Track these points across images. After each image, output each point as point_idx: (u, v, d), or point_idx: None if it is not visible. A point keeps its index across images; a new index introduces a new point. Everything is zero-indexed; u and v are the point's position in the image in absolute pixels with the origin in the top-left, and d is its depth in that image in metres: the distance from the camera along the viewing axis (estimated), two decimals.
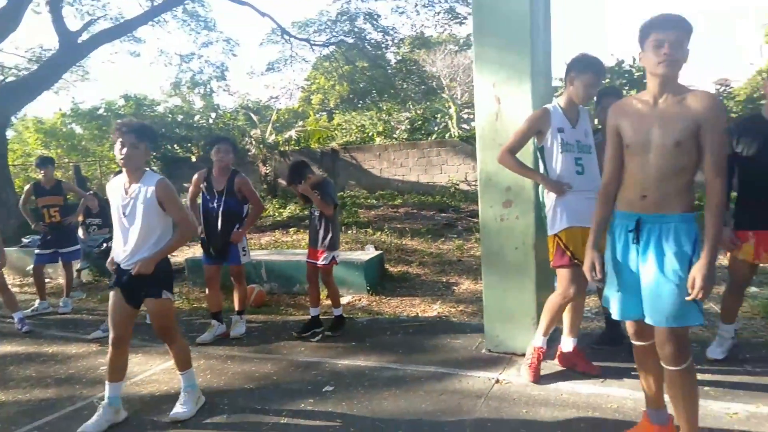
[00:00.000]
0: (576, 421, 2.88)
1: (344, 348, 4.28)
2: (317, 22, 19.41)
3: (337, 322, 4.67)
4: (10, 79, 14.21)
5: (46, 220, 6.09)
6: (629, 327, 2.54)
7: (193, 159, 17.95)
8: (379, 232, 8.91)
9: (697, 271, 2.18)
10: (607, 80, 14.38)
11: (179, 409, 3.23)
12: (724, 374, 3.27)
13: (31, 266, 6.30)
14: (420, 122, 17.08)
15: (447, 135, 15.46)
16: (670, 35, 2.20)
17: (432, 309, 5.44)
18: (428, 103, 20.27)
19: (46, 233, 6.12)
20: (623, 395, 3.10)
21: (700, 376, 3.11)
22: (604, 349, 3.73)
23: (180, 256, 8.47)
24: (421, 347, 4.18)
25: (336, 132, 18.64)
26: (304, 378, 3.74)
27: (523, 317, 3.67)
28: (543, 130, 3.24)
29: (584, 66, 3.17)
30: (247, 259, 4.82)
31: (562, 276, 3.25)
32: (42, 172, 6.11)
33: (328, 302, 4.93)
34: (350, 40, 18.40)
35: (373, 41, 18.68)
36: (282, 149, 16.03)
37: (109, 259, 3.30)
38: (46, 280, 6.80)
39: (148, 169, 3.22)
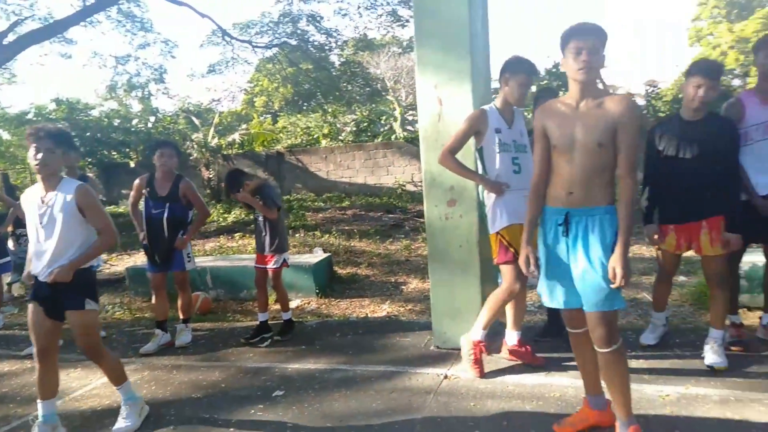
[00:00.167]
0: (521, 411, 2.98)
1: (294, 352, 4.25)
2: (259, 23, 19.18)
3: (286, 326, 4.64)
4: None
5: None
6: (564, 316, 2.66)
7: (132, 164, 17.34)
8: (327, 235, 8.89)
9: (615, 262, 2.34)
10: (545, 81, 14.90)
11: (122, 423, 3.13)
12: (656, 359, 3.45)
13: None
14: (365, 124, 17.14)
15: (393, 137, 15.58)
16: (588, 43, 2.36)
17: (381, 309, 5.49)
18: (373, 105, 20.36)
19: None
20: (565, 384, 3.23)
21: (635, 362, 3.33)
22: (547, 340, 3.87)
23: (120, 265, 8.18)
24: (371, 347, 4.21)
25: (281, 135, 18.45)
26: (254, 384, 3.69)
27: (469, 313, 3.76)
28: (481, 131, 3.33)
29: (517, 67, 3.28)
30: (191, 265, 4.71)
31: (507, 272, 3.34)
32: None
33: (277, 307, 4.88)
34: (293, 42, 18.27)
35: (316, 43, 18.62)
36: (225, 153, 15.73)
37: (25, 273, 3.09)
38: None
39: (65, 175, 3.07)
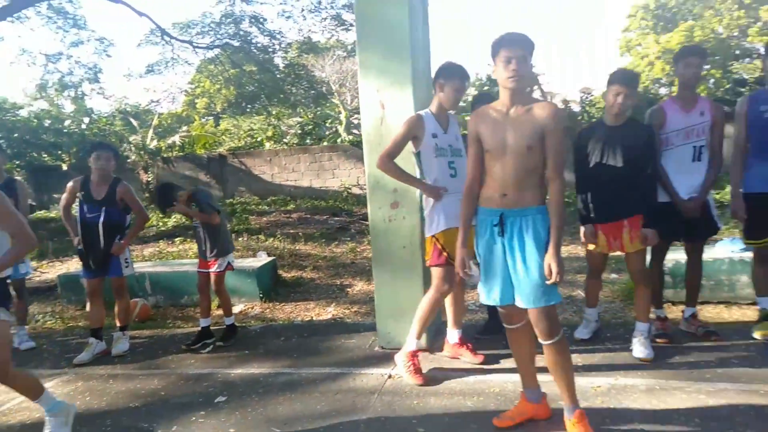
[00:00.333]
0: (463, 407, 3.06)
1: (237, 357, 4.19)
2: (200, 23, 18.71)
3: (229, 331, 4.57)
4: None
5: None
6: (501, 312, 2.76)
7: (64, 167, 16.54)
8: (272, 239, 8.79)
9: (550, 259, 2.48)
10: (487, 87, 15.30)
11: None
12: (589, 353, 3.62)
13: None
14: (310, 127, 17.06)
15: (338, 140, 15.57)
16: (517, 52, 2.49)
17: (326, 312, 5.49)
18: (318, 108, 20.29)
19: None
20: (504, 379, 3.34)
21: None
22: (488, 338, 3.98)
23: (52, 273, 7.80)
24: (316, 350, 4.21)
25: (223, 137, 18.09)
26: (195, 390, 3.62)
27: (413, 313, 3.77)
28: (418, 136, 3.37)
29: (452, 73, 3.36)
30: (129, 271, 4.56)
31: (437, 274, 3.42)
32: None
33: (220, 312, 4.80)
34: (236, 43, 17.94)
35: (259, 45, 18.35)
36: (165, 155, 15.27)
37: None
38: None
39: None
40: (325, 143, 15.25)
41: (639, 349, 3.46)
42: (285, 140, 16.46)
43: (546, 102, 2.65)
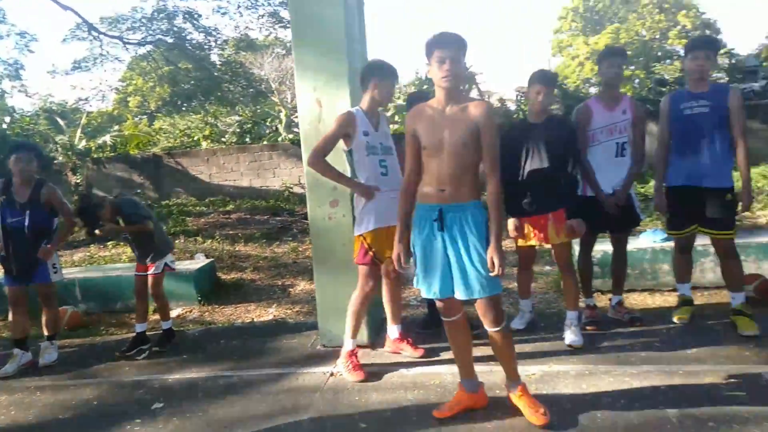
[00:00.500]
0: (404, 401, 3.12)
1: (175, 362, 4.08)
2: (130, 18, 17.96)
3: (166, 336, 4.44)
4: None
5: None
6: (440, 305, 2.83)
7: None
8: (210, 240, 8.58)
9: (492, 252, 2.57)
10: (426, 87, 15.49)
11: None
12: (524, 342, 3.76)
13: None
14: (249, 126, 16.74)
15: (279, 139, 15.36)
16: (450, 52, 2.56)
17: (268, 313, 5.42)
18: (258, 106, 19.94)
19: None
20: (444, 371, 3.42)
21: None
22: (428, 332, 4.06)
23: None
24: (257, 351, 4.16)
25: (158, 136, 17.47)
26: (130, 398, 3.50)
27: None
28: (350, 134, 3.36)
29: (385, 71, 3.40)
30: (58, 277, 4.35)
31: (362, 273, 3.46)
32: None
33: (157, 317, 4.66)
34: (169, 40, 17.36)
35: (194, 41, 17.84)
36: (95, 156, 14.61)
37: None
38: None
39: None
40: (265, 142, 15.01)
41: (570, 336, 3.63)
42: (223, 139, 16.09)
43: (480, 101, 2.74)
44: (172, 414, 3.22)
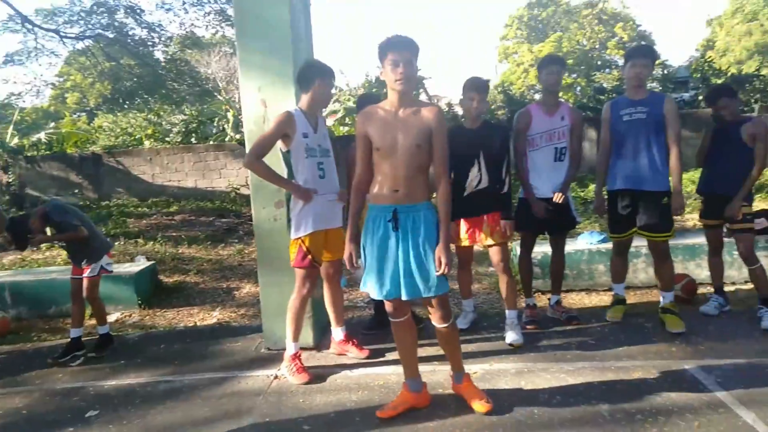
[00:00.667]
0: (348, 402, 3.13)
1: (112, 368, 3.94)
2: (68, 11, 17.17)
3: (103, 341, 4.28)
4: None
5: None
6: (389, 306, 2.86)
7: None
8: (152, 242, 8.32)
9: (440, 252, 2.64)
10: (375, 89, 15.56)
11: None
12: (466, 342, 3.82)
13: None
14: (195, 125, 16.32)
15: (226, 139, 15.06)
16: (404, 56, 2.61)
17: (211, 316, 5.31)
18: (205, 105, 19.47)
19: None
20: (388, 372, 3.45)
21: None
22: (374, 333, 4.08)
23: None
24: (200, 355, 4.07)
25: (98, 135, 16.79)
26: (63, 406, 3.36)
27: None
28: (289, 134, 3.29)
29: (326, 73, 3.39)
30: None
31: (300, 276, 3.44)
32: None
33: (93, 322, 4.48)
34: (110, 35, 16.72)
35: (137, 38, 17.26)
36: (29, 154, 13.91)
37: None
38: None
39: None
40: (212, 142, 14.68)
41: (510, 335, 3.73)
42: (167, 139, 15.63)
43: (432, 104, 2.81)
44: (107, 421, 3.11)
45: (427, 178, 2.75)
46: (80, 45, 17.30)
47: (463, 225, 3.74)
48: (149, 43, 18.00)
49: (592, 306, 4.61)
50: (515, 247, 4.71)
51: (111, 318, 5.17)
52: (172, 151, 13.82)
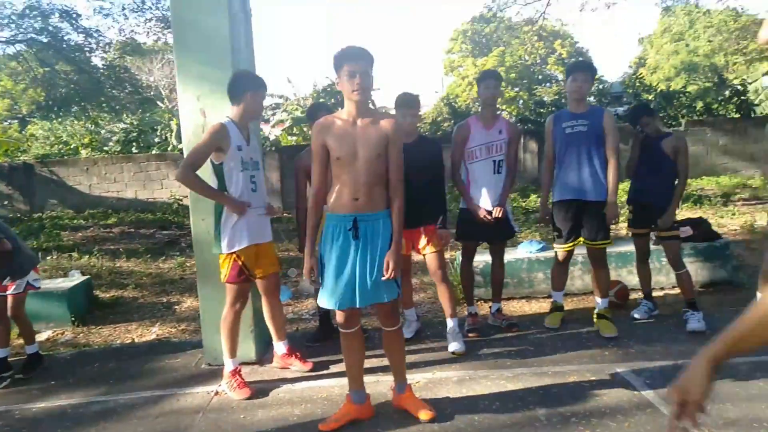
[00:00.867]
0: (290, 416, 3.09)
1: (41, 389, 3.75)
2: None
3: (32, 361, 4.06)
4: None
5: None
6: (340, 317, 2.85)
7: None
8: (88, 256, 7.98)
9: (389, 257, 2.70)
10: (323, 98, 15.54)
11: None
12: (410, 353, 3.82)
13: None
14: (135, 134, 15.81)
15: (168, 148, 14.66)
16: (360, 66, 2.64)
17: (150, 332, 5.13)
18: (147, 114, 18.90)
19: None
20: (332, 384, 3.44)
21: None
22: (318, 345, 4.06)
23: None
24: (136, 373, 3.93)
25: (30, 143, 16.01)
26: None
27: (240, 326, 3.74)
28: (223, 147, 3.19)
29: (259, 84, 3.35)
30: None
31: (232, 291, 3.36)
32: None
33: (20, 341, 4.25)
34: (44, 40, 16.01)
35: (73, 43, 16.58)
36: None
37: None
38: None
39: None
40: (154, 151, 14.26)
41: (452, 344, 3.79)
42: (106, 148, 15.07)
43: (388, 115, 2.88)
44: None
45: (386, 187, 2.79)
46: (11, 49, 16.47)
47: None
48: (86, 49, 17.33)
49: (531, 313, 4.74)
50: (458, 256, 4.80)
51: (42, 336, 4.92)
52: (110, 161, 13.36)
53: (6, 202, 12.68)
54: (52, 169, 13.21)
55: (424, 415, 2.88)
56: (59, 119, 18.84)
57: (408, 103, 3.68)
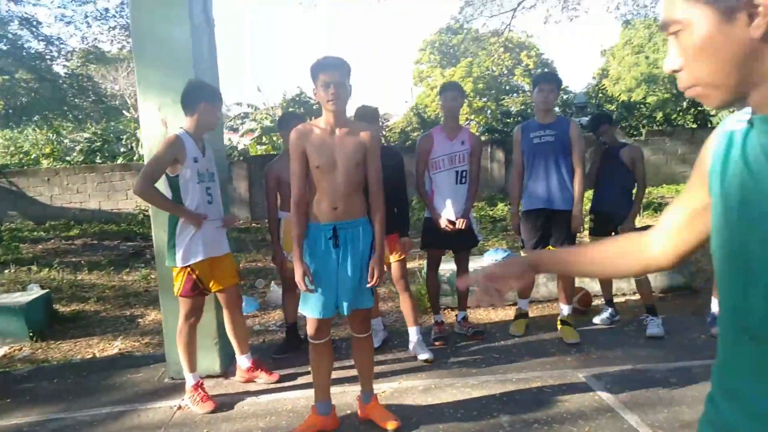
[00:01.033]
0: (254, 429, 3.06)
1: None
2: None
3: None
4: None
5: None
6: (313, 327, 2.82)
7: None
8: (48, 269, 7.75)
9: (374, 264, 2.75)
10: (292, 108, 15.50)
11: None
12: (377, 363, 3.81)
13: None
14: (99, 144, 15.47)
15: (134, 158, 14.38)
16: (335, 76, 2.66)
17: (113, 346, 5.01)
18: (112, 123, 18.52)
19: None
20: (298, 396, 3.41)
21: None
22: (285, 357, 4.03)
23: None
24: (96, 389, 3.83)
25: None
26: None
27: (204, 338, 3.69)
28: (179, 159, 3.15)
29: (214, 95, 3.31)
30: None
31: (186, 305, 3.30)
32: None
33: None
34: (3, 47, 15.60)
35: (33, 51, 16.18)
36: None
37: None
38: None
39: None
40: (120, 161, 13.97)
41: (421, 354, 3.81)
42: (68, 158, 14.70)
43: (365, 125, 2.90)
44: None
45: (364, 195, 2.83)
46: None
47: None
48: (47, 57, 16.94)
49: (497, 321, 4.78)
50: (425, 265, 4.83)
51: None
52: (72, 171, 13.05)
53: None
54: (11, 179, 12.83)
55: (390, 425, 2.90)
56: (20, 128, 18.31)
57: (365, 116, 3.69)
